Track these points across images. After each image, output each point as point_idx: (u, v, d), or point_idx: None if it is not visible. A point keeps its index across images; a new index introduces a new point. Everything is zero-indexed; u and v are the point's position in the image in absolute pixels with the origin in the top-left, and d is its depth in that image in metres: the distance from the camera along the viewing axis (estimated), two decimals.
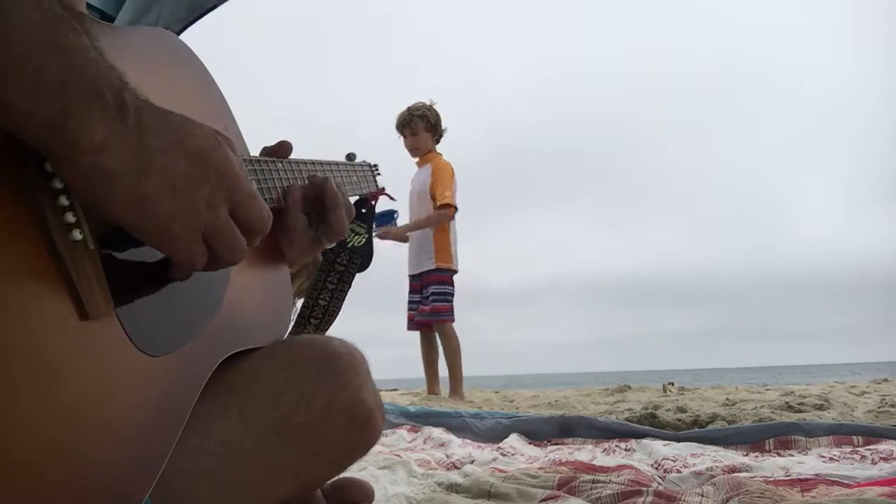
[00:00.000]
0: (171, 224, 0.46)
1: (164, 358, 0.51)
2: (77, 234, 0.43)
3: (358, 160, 0.96)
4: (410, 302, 4.12)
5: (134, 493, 0.46)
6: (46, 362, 0.40)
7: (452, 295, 3.97)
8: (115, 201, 0.43)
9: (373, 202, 0.95)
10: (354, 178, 0.91)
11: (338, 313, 0.91)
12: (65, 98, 0.40)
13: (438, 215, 3.98)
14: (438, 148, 4.22)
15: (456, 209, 4.01)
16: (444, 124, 4.20)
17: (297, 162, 0.78)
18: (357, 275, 0.91)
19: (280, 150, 0.78)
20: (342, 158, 0.92)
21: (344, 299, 0.90)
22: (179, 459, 0.54)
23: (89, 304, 0.43)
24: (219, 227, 0.50)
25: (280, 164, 0.74)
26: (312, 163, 0.82)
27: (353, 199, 0.90)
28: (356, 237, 0.91)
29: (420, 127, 4.12)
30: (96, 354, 0.44)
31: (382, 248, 3.75)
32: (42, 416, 0.39)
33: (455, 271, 4.04)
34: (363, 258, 0.91)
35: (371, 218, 0.94)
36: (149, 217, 0.45)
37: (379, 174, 1.00)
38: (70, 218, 0.43)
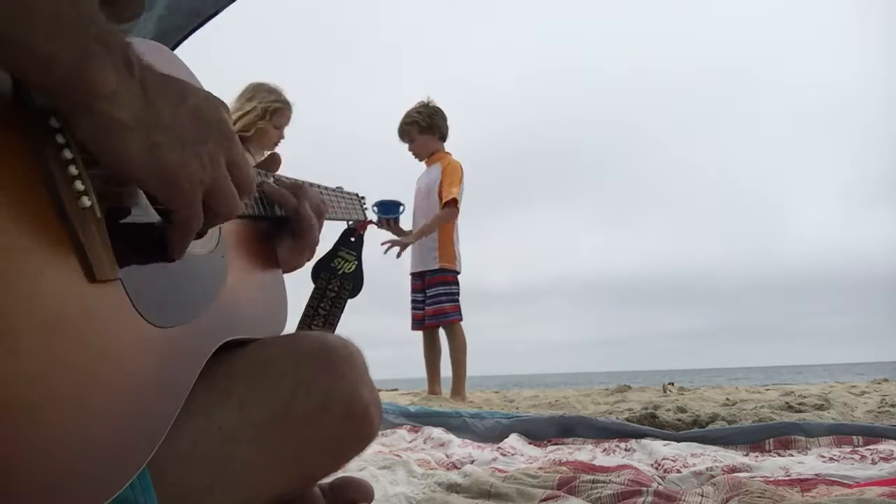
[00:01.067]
0: (179, 174, 0.48)
1: (167, 330, 0.52)
2: (86, 201, 0.45)
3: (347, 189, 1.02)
4: (414, 301, 4.07)
5: (130, 458, 0.45)
6: (55, 315, 0.41)
7: (458, 294, 3.94)
8: (129, 152, 0.45)
9: (361, 231, 1.01)
10: (343, 203, 0.97)
11: None
12: (82, 42, 0.42)
13: (444, 213, 3.89)
14: (446, 146, 4.14)
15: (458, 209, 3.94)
16: (447, 120, 4.10)
17: (285, 178, 0.81)
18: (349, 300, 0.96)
19: (270, 163, 0.81)
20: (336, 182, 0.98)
21: (337, 324, 0.94)
22: (179, 445, 0.54)
23: (96, 266, 0.44)
24: (220, 181, 0.52)
25: (271, 178, 0.77)
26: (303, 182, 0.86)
27: (343, 226, 0.98)
28: (346, 263, 0.97)
29: (415, 133, 4.06)
30: (102, 316, 0.45)
31: (380, 251, 3.72)
32: (46, 365, 0.39)
33: (458, 272, 4.00)
34: (354, 284, 0.96)
35: (360, 246, 0.99)
36: (159, 167, 0.47)
37: (366, 207, 1.07)
38: (79, 186, 0.45)
